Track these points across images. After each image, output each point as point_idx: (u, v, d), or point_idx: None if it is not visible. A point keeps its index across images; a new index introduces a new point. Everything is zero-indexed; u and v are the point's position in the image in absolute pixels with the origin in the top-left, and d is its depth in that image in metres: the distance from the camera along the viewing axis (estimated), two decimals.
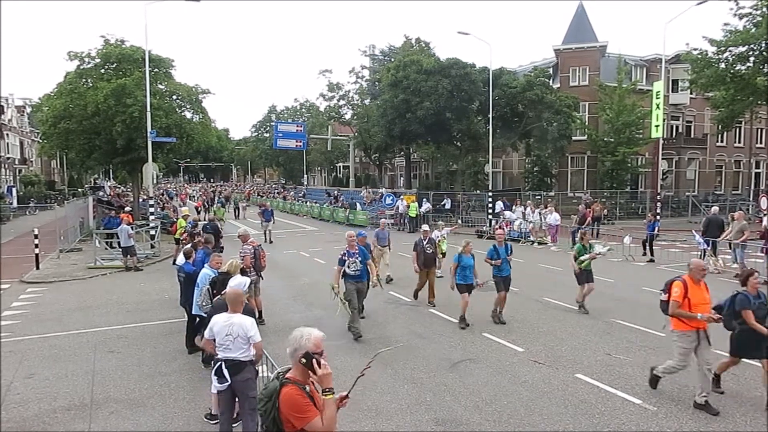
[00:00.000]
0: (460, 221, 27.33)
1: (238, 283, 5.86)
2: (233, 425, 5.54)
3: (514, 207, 24.90)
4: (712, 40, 25.45)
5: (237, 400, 5.22)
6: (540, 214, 22.66)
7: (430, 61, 31.82)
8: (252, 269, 9.80)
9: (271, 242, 21.83)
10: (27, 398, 6.83)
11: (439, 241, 13.63)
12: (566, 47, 36.03)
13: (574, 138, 33.48)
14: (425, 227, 12.19)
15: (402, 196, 30.12)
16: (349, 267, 8.99)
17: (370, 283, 9.53)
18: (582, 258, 10.29)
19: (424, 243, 11.41)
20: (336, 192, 40.58)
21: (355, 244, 9.19)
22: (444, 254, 14.10)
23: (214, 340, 5.14)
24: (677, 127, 38.74)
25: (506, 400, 6.53)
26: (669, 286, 6.42)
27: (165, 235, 21.51)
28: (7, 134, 45.60)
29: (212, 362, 5.32)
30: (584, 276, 10.47)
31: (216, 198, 39.90)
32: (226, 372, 5.00)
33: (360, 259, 9.07)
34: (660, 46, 26.84)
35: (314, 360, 2.99)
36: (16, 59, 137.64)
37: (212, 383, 6.06)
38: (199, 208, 35.26)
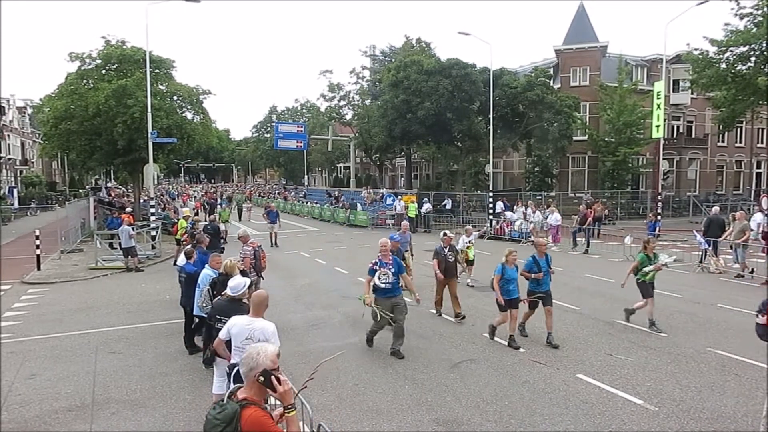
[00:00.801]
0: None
1: (237, 283, 5.85)
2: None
3: (515, 207, 24.89)
4: (713, 40, 25.44)
5: None
6: (542, 214, 22.65)
7: (430, 61, 31.83)
8: (252, 270, 9.81)
9: (276, 246, 21.10)
10: (28, 399, 6.83)
11: (467, 247, 13.02)
12: (567, 47, 36.03)
13: (574, 138, 33.47)
14: (448, 233, 10.96)
15: (400, 197, 30.14)
16: (379, 278, 7.98)
17: (412, 299, 8.49)
18: (646, 270, 9.25)
19: (446, 251, 10.37)
20: (337, 192, 40.59)
21: (389, 254, 8.17)
22: (472, 262, 13.32)
23: (229, 341, 5.04)
24: (678, 127, 38.73)
25: (507, 401, 6.53)
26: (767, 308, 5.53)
27: (166, 236, 21.53)
28: (9, 135, 45.64)
29: (228, 367, 5.14)
30: (649, 288, 9.36)
31: (219, 200, 39.53)
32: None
33: (393, 270, 8.04)
34: (661, 46, 26.97)
35: (273, 377, 2.82)
36: (18, 60, 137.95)
37: (214, 385, 6.08)
38: (198, 209, 34.72)
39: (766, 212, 19.74)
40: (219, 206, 33.02)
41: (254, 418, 2.72)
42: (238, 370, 4.88)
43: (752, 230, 15.73)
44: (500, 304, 8.40)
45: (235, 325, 5.01)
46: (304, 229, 29.48)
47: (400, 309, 8.08)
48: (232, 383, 4.96)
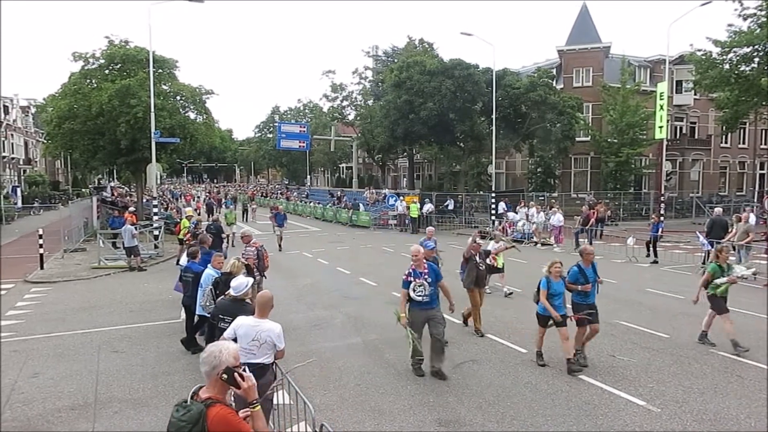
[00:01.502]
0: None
1: (240, 283, 5.83)
2: None
3: (517, 208, 24.86)
4: (716, 40, 25.41)
5: None
6: (545, 215, 22.63)
7: (433, 61, 31.86)
8: (256, 270, 9.82)
9: (280, 250, 20.13)
10: (31, 397, 6.85)
11: (495, 253, 11.85)
12: (570, 48, 36.01)
13: (577, 139, 33.45)
14: (478, 239, 9.92)
15: (402, 197, 30.16)
16: (414, 291, 7.17)
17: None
18: (718, 281, 8.20)
19: (476, 259, 9.55)
20: (339, 192, 40.63)
21: (423, 263, 7.32)
22: (502, 269, 12.17)
23: (234, 341, 5.05)
24: (681, 128, 38.66)
25: (509, 401, 6.52)
26: None
27: (168, 236, 21.57)
28: (12, 134, 45.77)
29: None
30: (722, 303, 8.22)
31: (224, 200, 39.01)
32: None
33: (430, 280, 7.23)
34: (664, 46, 26.85)
35: (236, 374, 2.86)
36: (21, 60, 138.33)
37: None
38: (199, 210, 34.10)
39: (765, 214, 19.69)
40: (224, 206, 32.80)
41: (221, 416, 2.72)
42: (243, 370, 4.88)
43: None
44: (557, 320, 7.36)
45: (242, 326, 4.99)
46: (307, 230, 29.50)
47: (437, 321, 7.26)
48: None
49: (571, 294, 7.75)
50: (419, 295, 7.17)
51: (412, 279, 7.22)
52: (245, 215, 35.18)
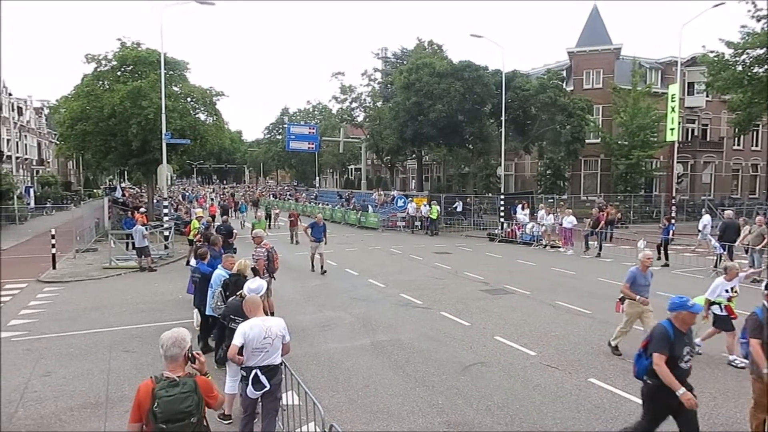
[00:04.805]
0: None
1: (258, 286, 5.82)
2: None
3: (521, 209, 24.70)
4: (729, 42, 25.22)
5: (260, 400, 5.08)
6: (555, 217, 22.49)
7: (442, 63, 31.85)
8: (265, 271, 9.86)
9: (324, 272, 15.52)
10: (44, 396, 6.93)
11: (729, 299, 7.89)
12: (580, 50, 35.85)
13: (587, 141, 33.27)
14: (749, 272, 6.78)
15: (412, 199, 30.13)
16: None
17: None
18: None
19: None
20: (348, 194, 40.71)
21: None
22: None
23: (242, 347, 4.93)
24: (693, 130, 38.37)
25: (518, 404, 6.50)
26: None
27: (178, 236, 21.70)
28: (26, 135, 46.32)
29: (243, 370, 5.05)
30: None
31: (241, 203, 37.66)
32: (264, 378, 4.90)
33: None
34: (675, 48, 26.57)
35: (194, 353, 3.56)
36: (35, 61, 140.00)
37: (227, 384, 6.10)
38: (214, 214, 32.27)
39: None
40: (239, 211, 31.97)
41: (204, 381, 3.50)
42: (256, 373, 4.87)
43: (700, 231, 15.49)
44: None
45: (252, 327, 4.94)
46: None
47: None
48: (251, 385, 4.92)
49: None
50: None
51: None
52: (268, 221, 30.51)
